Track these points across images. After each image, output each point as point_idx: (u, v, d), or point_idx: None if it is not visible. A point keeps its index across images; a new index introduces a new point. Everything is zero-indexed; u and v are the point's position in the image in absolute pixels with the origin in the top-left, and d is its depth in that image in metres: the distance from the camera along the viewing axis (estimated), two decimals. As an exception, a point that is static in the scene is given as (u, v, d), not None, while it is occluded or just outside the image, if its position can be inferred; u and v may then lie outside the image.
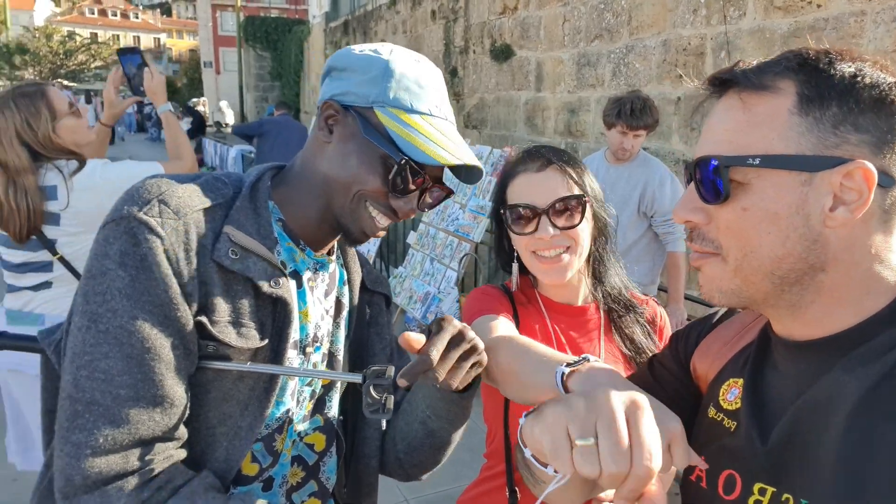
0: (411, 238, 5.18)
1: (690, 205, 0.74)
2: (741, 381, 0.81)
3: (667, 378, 0.97)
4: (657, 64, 4.92)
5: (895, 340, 0.67)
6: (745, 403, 0.78)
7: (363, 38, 12.51)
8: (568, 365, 0.83)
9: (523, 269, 1.37)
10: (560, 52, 6.01)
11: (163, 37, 69.27)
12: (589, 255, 1.33)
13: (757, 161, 0.67)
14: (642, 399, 0.62)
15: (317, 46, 16.68)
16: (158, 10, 75.38)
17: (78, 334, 0.82)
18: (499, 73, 7.09)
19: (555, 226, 1.24)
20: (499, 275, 5.40)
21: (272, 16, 23.40)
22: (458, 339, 0.90)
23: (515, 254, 1.35)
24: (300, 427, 1.04)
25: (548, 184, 1.26)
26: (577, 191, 1.26)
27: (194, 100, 20.47)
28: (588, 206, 1.28)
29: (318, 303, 1.05)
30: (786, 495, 0.69)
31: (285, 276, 0.94)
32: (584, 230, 1.28)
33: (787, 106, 0.67)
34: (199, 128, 18.12)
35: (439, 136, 0.95)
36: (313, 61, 17.27)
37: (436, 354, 0.85)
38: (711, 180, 0.71)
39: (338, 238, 1.08)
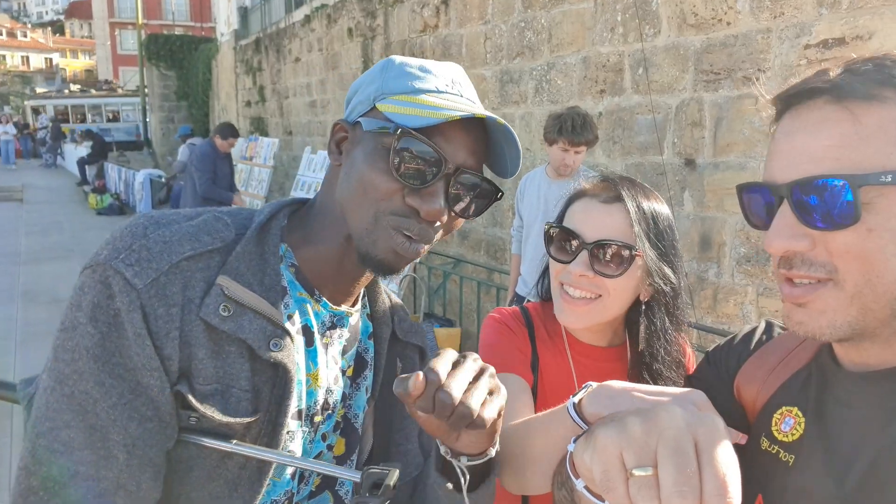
0: (343, 261, 5.03)
1: (789, 231, 0.65)
2: (796, 409, 0.76)
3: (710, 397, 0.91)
4: (578, 80, 5.04)
5: None
6: (810, 440, 0.73)
7: (276, 56, 12.21)
8: (576, 396, 0.76)
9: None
10: (482, 70, 6.06)
11: (55, 56, 65.03)
12: (637, 313, 1.16)
13: (889, 178, 0.60)
14: (712, 418, 0.51)
15: (226, 64, 16.13)
16: (49, 28, 70.76)
17: (43, 396, 0.70)
18: (421, 91, 7.07)
19: (591, 266, 1.08)
20: (437, 294, 5.33)
21: (176, 33, 22.48)
22: (462, 361, 0.73)
23: None
24: None
25: (606, 219, 1.10)
26: (635, 241, 1.08)
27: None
28: (637, 263, 1.09)
29: (333, 363, 0.89)
30: None
31: (289, 335, 0.79)
32: (622, 286, 1.10)
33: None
34: (100, 152, 17.08)
35: (445, 102, 0.80)
36: (223, 80, 16.68)
37: (443, 369, 0.67)
38: (830, 202, 0.62)
39: (365, 284, 0.92)
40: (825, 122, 0.64)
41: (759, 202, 0.70)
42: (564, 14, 5.09)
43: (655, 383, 1.15)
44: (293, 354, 0.80)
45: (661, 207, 1.15)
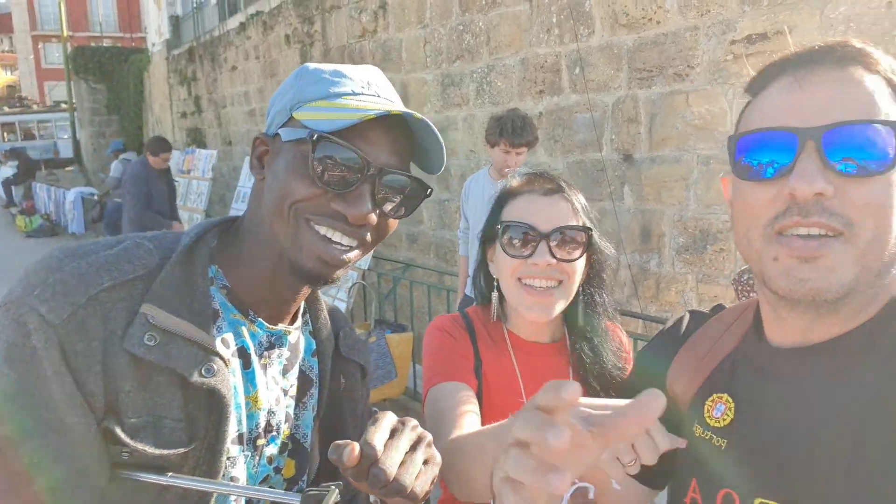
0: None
1: (820, 174, 0.63)
2: (726, 395, 0.78)
3: None
4: (518, 81, 5.11)
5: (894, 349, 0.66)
6: (741, 423, 0.75)
7: (211, 65, 11.90)
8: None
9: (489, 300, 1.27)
10: (423, 74, 6.07)
11: (-28, 72, 61.59)
12: (576, 295, 1.23)
13: None
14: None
15: (158, 75, 15.62)
16: (-36, 42, 66.96)
17: None
18: (362, 96, 7.02)
19: (553, 254, 1.14)
20: (388, 300, 5.28)
21: (105, 45, 21.63)
22: (400, 428, 0.74)
23: (496, 282, 1.24)
24: None
25: (554, 209, 1.17)
26: (581, 223, 1.18)
27: None
28: (590, 241, 1.19)
29: (274, 384, 0.87)
30: None
31: (222, 359, 0.77)
32: (580, 267, 1.19)
33: (889, 91, 0.67)
34: (26, 171, 16.28)
35: (360, 103, 0.79)
36: (155, 91, 16.16)
37: (379, 443, 0.69)
38: (867, 148, 0.63)
39: (302, 301, 0.90)
40: (847, 81, 0.66)
41: (773, 149, 0.68)
42: (501, 16, 5.15)
43: (597, 357, 1.22)
44: (227, 379, 0.78)
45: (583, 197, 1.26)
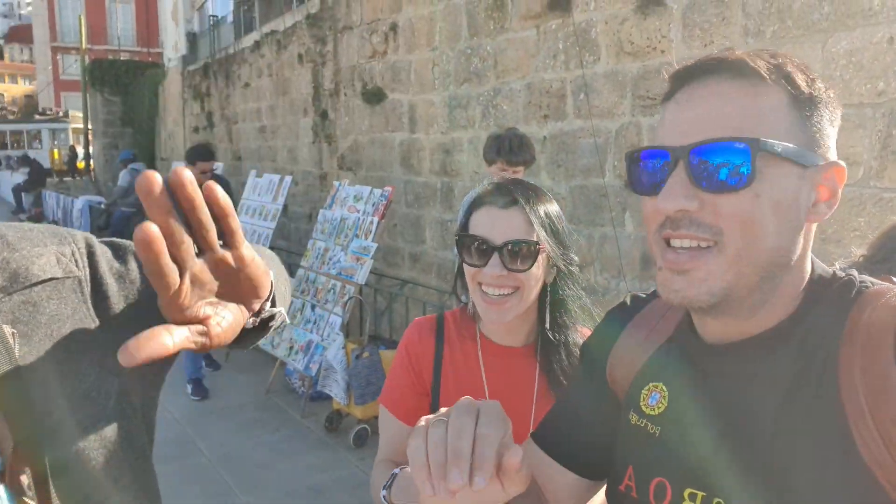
0: (289, 285, 4.94)
1: (683, 191, 0.67)
2: (661, 384, 0.81)
3: (584, 401, 0.95)
4: (523, 105, 5.16)
5: (805, 344, 0.69)
6: (673, 412, 0.78)
7: (225, 82, 12.08)
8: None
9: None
10: (431, 95, 6.15)
11: (-8, 81, 62.66)
12: (545, 297, 1.30)
13: (780, 149, 0.66)
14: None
15: (173, 90, 15.86)
16: (-14, 52, 68.28)
17: None
18: (372, 116, 7.11)
19: (504, 265, 1.21)
20: (385, 316, 5.27)
21: (122, 59, 21.99)
22: None
23: None
24: None
25: (508, 222, 1.23)
26: (535, 237, 1.23)
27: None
28: (541, 254, 1.24)
29: None
30: (717, 500, 0.70)
31: None
32: (534, 276, 1.25)
33: (785, 101, 0.68)
34: (38, 179, 16.47)
35: None
36: (170, 105, 16.38)
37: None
38: (727, 165, 0.66)
39: None
40: (727, 95, 0.68)
41: (653, 166, 0.72)
42: (509, 41, 5.23)
43: (565, 353, 1.29)
44: None
45: (551, 205, 1.30)
